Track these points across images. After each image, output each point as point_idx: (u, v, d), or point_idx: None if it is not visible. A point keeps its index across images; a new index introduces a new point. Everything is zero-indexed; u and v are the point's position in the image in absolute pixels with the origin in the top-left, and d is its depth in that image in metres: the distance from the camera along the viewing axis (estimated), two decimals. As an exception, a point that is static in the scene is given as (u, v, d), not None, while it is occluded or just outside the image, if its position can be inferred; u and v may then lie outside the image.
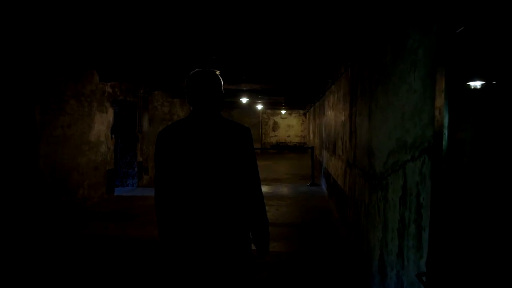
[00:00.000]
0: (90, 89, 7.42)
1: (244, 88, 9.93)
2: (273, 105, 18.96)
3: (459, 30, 1.57)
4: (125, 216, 6.79)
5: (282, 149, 23.50)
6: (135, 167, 9.80)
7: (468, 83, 1.64)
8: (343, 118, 5.93)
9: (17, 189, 5.48)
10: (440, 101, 1.66)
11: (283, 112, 23.75)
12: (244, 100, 13.04)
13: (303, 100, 14.51)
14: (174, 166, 1.93)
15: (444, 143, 1.60)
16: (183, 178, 1.93)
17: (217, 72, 2.06)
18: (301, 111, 23.68)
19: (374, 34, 3.72)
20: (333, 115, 7.35)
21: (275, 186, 10.07)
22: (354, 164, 4.75)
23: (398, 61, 2.74)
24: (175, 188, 1.94)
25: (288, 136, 24.24)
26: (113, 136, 8.39)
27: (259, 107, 19.04)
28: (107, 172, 8.15)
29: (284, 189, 9.73)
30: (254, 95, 12.50)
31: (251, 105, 17.83)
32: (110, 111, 8.30)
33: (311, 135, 16.72)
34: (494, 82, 1.62)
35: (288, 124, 24.27)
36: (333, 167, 7.27)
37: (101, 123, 7.88)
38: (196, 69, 2.05)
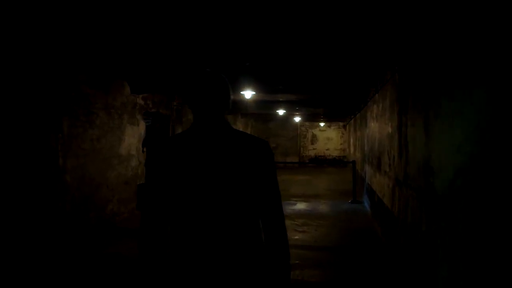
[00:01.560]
0: (121, 101, 7.21)
1: (281, 99, 9.46)
2: (311, 117, 18.36)
3: None
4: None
5: (321, 163, 22.72)
6: (168, 181, 9.50)
7: None
8: (389, 129, 5.28)
9: (42, 205, 5.25)
10: None
11: (321, 124, 23.04)
12: (280, 112, 12.57)
13: (342, 111, 13.83)
14: (173, 185, 1.56)
15: None
16: (185, 198, 1.56)
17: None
18: (341, 123, 22.86)
19: (432, 30, 3.12)
20: (377, 126, 6.69)
21: (314, 203, 9.42)
22: (406, 183, 4.10)
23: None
24: (172, 212, 1.59)
25: (327, 149, 23.44)
26: (144, 149, 8.14)
27: (297, 119, 18.50)
28: (138, 186, 7.87)
29: (323, 207, 9.07)
30: (291, 107, 12.00)
31: (288, 117, 17.33)
32: (142, 124, 8.07)
33: (352, 148, 15.92)
34: None
35: (327, 137, 23.49)
36: (378, 184, 6.58)
37: (132, 136, 7.65)
38: (202, 70, 1.71)
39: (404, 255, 4.12)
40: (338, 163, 22.12)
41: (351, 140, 16.27)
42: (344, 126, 22.67)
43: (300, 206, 9.01)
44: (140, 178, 7.99)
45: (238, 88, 7.44)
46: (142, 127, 8.07)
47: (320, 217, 7.85)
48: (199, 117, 1.61)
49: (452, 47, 2.54)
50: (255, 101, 10.09)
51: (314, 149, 23.54)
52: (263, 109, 12.36)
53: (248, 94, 7.59)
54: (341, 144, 23.21)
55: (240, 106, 11.58)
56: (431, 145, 3.03)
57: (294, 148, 23.05)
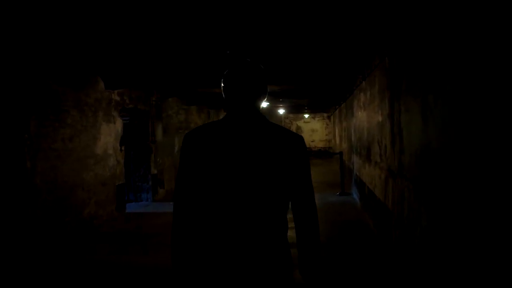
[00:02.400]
0: (95, 98, 6.77)
1: (264, 91, 9.11)
2: (295, 109, 18.10)
3: None
4: (135, 237, 6.06)
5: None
6: (149, 180, 9.11)
7: None
8: (380, 118, 5.03)
9: (9, 211, 4.83)
10: None
11: (306, 116, 22.85)
12: (264, 104, 12.23)
13: (327, 102, 13.59)
14: (205, 174, 1.55)
15: None
16: (216, 189, 1.55)
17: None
18: (325, 114, 22.71)
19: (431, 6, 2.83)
20: (365, 115, 6.44)
21: (301, 197, 9.16)
22: (400, 174, 3.85)
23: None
24: (203, 201, 1.58)
25: (312, 141, 23.27)
26: (122, 148, 7.73)
27: (281, 111, 18.21)
28: (117, 187, 7.47)
29: (311, 200, 8.81)
30: (275, 99, 11.69)
31: (272, 109, 17.02)
32: (119, 121, 7.65)
33: (337, 139, 15.75)
34: None
35: (311, 129, 23.33)
36: (368, 176, 6.34)
37: (109, 135, 7.22)
38: (240, 61, 1.67)
39: (400, 250, 3.88)
40: (323, 154, 21.98)
41: (336, 131, 16.09)
42: (329, 117, 22.53)
43: (288, 200, 8.72)
44: (119, 178, 7.58)
45: (217, 79, 7.07)
46: (119, 124, 7.65)
47: (308, 211, 7.58)
48: (234, 107, 1.59)
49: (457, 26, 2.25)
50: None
51: (299, 141, 23.30)
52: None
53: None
54: (326, 135, 23.08)
55: (222, 100, 11.19)
56: (431, 131, 2.76)
57: (279, 141, 22.76)
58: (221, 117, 10.27)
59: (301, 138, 1.68)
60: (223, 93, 1.64)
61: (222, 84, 1.63)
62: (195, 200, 1.58)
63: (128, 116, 8.71)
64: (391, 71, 4.25)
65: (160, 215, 7.52)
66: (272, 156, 1.56)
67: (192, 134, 1.61)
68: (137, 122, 9.04)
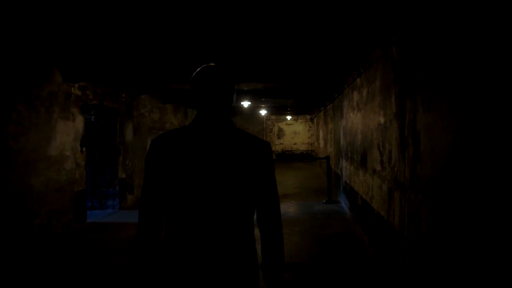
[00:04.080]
0: (49, 91, 5.82)
1: (245, 89, 8.32)
2: (278, 110, 17.36)
3: None
4: (93, 260, 5.14)
5: (289, 158, 21.85)
6: (116, 185, 8.16)
7: None
8: (381, 119, 4.28)
9: None
10: None
11: (288, 117, 22.14)
12: (245, 104, 11.43)
13: (312, 103, 12.89)
14: (170, 182, 1.52)
15: None
16: (182, 196, 1.52)
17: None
18: (308, 117, 22.07)
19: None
20: (360, 116, 5.70)
21: (284, 205, 8.37)
22: (414, 187, 3.10)
23: None
24: (167, 214, 1.56)
25: (294, 144, 22.59)
26: (83, 149, 6.77)
27: (263, 112, 17.43)
28: (76, 194, 6.52)
29: (294, 209, 8.03)
30: (257, 98, 10.90)
31: (254, 110, 16.23)
32: (79, 119, 6.69)
33: (321, 142, 15.07)
34: None
35: (294, 131, 22.63)
36: (362, 185, 5.60)
37: (66, 134, 6.27)
38: (205, 64, 1.61)
39: (414, 281, 3.12)
40: (306, 158, 21.33)
41: (321, 134, 15.41)
42: (312, 120, 21.89)
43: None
44: (79, 184, 6.63)
45: (193, 69, 6.24)
46: (79, 122, 6.69)
47: (292, 222, 6.79)
48: (200, 112, 1.59)
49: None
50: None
51: (281, 143, 22.64)
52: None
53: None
54: (308, 138, 22.43)
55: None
56: (474, 136, 2.01)
57: (260, 143, 22.01)
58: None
59: (268, 145, 1.67)
60: (190, 94, 1.61)
61: (191, 85, 1.61)
62: (160, 209, 1.57)
63: (94, 114, 7.76)
64: (400, 63, 3.50)
65: (127, 226, 6.60)
66: (239, 163, 1.56)
67: (158, 141, 1.58)
68: (104, 121, 8.08)
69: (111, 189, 8.16)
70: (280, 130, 22.65)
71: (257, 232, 1.67)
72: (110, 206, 8.17)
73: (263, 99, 11.36)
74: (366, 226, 5.26)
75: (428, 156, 2.78)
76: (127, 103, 8.59)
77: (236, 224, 1.57)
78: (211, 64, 1.62)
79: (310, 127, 22.31)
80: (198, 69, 1.61)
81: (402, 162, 3.45)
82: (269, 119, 22.32)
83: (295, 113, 19.90)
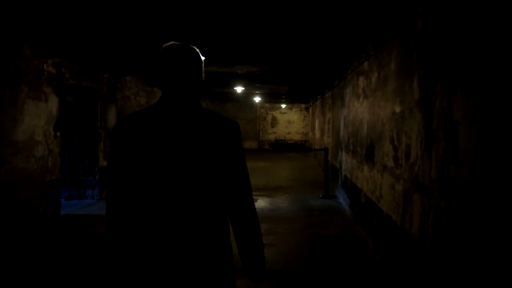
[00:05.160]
0: (15, 67, 5.10)
1: (239, 72, 7.66)
2: (272, 98, 16.69)
3: None
4: (62, 260, 4.51)
5: (282, 148, 21.26)
6: (96, 174, 7.50)
7: None
8: (397, 107, 3.68)
9: None
10: None
11: (283, 106, 21.50)
12: (239, 89, 10.77)
13: (309, 90, 12.24)
14: (135, 169, 1.44)
15: None
16: (147, 185, 1.44)
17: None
18: (303, 106, 21.45)
19: None
20: (367, 105, 5.09)
21: (278, 199, 7.78)
22: (444, 192, 2.50)
23: None
24: (135, 199, 1.45)
25: (288, 133, 21.99)
26: (58, 133, 6.09)
27: (257, 99, 16.76)
28: (48, 183, 5.85)
29: (288, 204, 7.44)
30: (251, 84, 10.23)
31: (247, 97, 15.55)
32: (53, 100, 5.99)
33: (317, 133, 14.48)
34: None
35: (288, 120, 22.02)
36: (368, 181, 5.02)
37: (37, 116, 5.57)
38: (171, 42, 1.52)
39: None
40: (300, 148, 20.75)
41: (317, 124, 14.82)
42: (307, 109, 21.29)
43: (262, 203, 7.35)
44: (52, 172, 5.95)
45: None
46: (53, 104, 5.99)
47: (287, 220, 6.21)
48: (165, 93, 1.51)
49: None
50: (209, 75, 8.21)
51: (274, 132, 22.05)
52: (219, 85, 10.52)
53: (195, 59, 5.71)
54: (303, 127, 21.85)
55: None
56: None
57: (253, 131, 21.43)
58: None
59: (236, 124, 1.57)
60: (155, 73, 1.52)
61: (155, 64, 1.51)
62: (125, 198, 1.45)
63: (70, 95, 7.05)
64: (428, 38, 2.88)
65: (102, 220, 5.97)
66: (205, 143, 1.47)
67: (121, 125, 1.48)
68: (83, 103, 7.38)
69: (91, 177, 7.50)
70: (274, 118, 22.03)
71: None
72: (89, 196, 7.52)
73: (257, 85, 10.69)
74: (371, 228, 4.69)
75: (470, 155, 2.18)
76: (109, 84, 7.88)
77: (204, 217, 1.47)
78: (176, 42, 1.51)
79: (305, 117, 21.71)
80: (164, 46, 1.51)
81: (427, 160, 2.85)
82: (263, 107, 21.67)
83: (290, 101, 19.26)
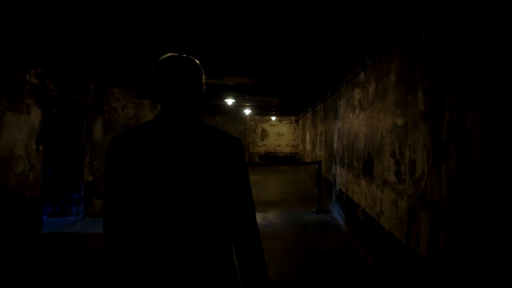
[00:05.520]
0: (-5, 77, 4.84)
1: (230, 83, 7.48)
2: (262, 110, 16.56)
3: None
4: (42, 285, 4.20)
5: (273, 161, 21.06)
6: (82, 189, 7.18)
7: None
8: (399, 120, 3.52)
9: None
10: None
11: (273, 118, 21.38)
12: (229, 101, 10.58)
13: (299, 102, 12.13)
14: (134, 186, 1.36)
15: None
16: (146, 203, 1.37)
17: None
18: (293, 118, 21.37)
19: None
20: (365, 117, 4.94)
21: (268, 214, 7.55)
22: (457, 211, 2.32)
23: None
24: (133, 220, 1.38)
25: (278, 146, 21.84)
26: (40, 147, 5.79)
27: (247, 112, 16.60)
28: (29, 201, 5.53)
29: (280, 220, 7.20)
30: (242, 96, 10.06)
31: (237, 109, 15.38)
32: (36, 112, 5.71)
33: (308, 145, 14.35)
34: None
35: (278, 132, 21.89)
36: (366, 196, 4.83)
37: (18, 129, 5.29)
38: (169, 54, 1.44)
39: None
40: (290, 160, 20.59)
41: (308, 136, 14.69)
42: (297, 121, 21.21)
43: (255, 218, 7.10)
44: (33, 188, 5.64)
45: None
46: (36, 116, 5.71)
47: (279, 236, 5.97)
48: (164, 107, 1.43)
49: None
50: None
51: (264, 145, 21.88)
52: (209, 97, 10.31)
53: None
54: (293, 140, 21.74)
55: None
56: None
57: (243, 144, 21.21)
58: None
59: (239, 141, 1.50)
60: (152, 87, 1.45)
61: (153, 77, 1.43)
62: (123, 217, 1.38)
63: (55, 107, 6.78)
64: (434, 47, 2.73)
65: (91, 238, 5.68)
66: (206, 163, 1.39)
67: (118, 140, 1.41)
68: (68, 115, 7.10)
69: (76, 193, 7.18)
70: (264, 131, 21.88)
71: None
72: (74, 213, 7.18)
73: (247, 97, 10.53)
74: (371, 245, 4.49)
75: (488, 172, 2.00)
76: (96, 95, 7.62)
77: (207, 238, 1.40)
78: (175, 54, 1.45)
79: (295, 129, 21.62)
80: (162, 58, 1.44)
81: (435, 176, 2.67)
82: (253, 120, 21.53)
83: (280, 113, 19.15)
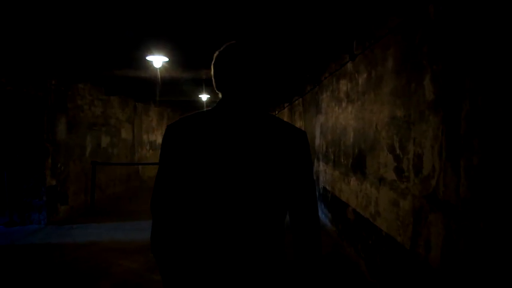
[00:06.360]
0: None
1: (205, 77, 7.00)
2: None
3: None
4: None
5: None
6: (43, 194, 6.53)
7: None
8: (398, 111, 3.18)
9: None
10: None
11: (247, 115, 20.91)
12: (204, 97, 10.10)
13: (276, 99, 11.76)
14: (190, 176, 1.31)
15: None
16: (200, 198, 1.33)
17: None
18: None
19: None
20: (353, 110, 4.60)
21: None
22: (482, 213, 1.98)
23: None
24: (188, 208, 1.35)
25: (253, 143, 21.41)
26: (-7, 150, 5.15)
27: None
28: None
29: (265, 220, 6.81)
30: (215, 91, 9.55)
31: (212, 106, 14.85)
32: (-14, 109, 5.06)
33: (285, 141, 13.95)
34: None
35: (253, 129, 21.44)
36: (357, 195, 4.50)
37: (-35, 129, 4.64)
38: (233, 42, 1.39)
39: None
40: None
41: (284, 132, 14.31)
42: (272, 117, 20.83)
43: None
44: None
45: (141, 50, 4.83)
46: (-14, 114, 5.06)
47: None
48: (225, 96, 1.39)
49: None
50: (171, 81, 7.50)
51: (239, 142, 21.40)
52: (182, 94, 9.77)
53: (157, 60, 4.99)
54: (268, 136, 21.35)
55: (151, 89, 8.88)
56: None
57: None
58: (150, 113, 8.01)
59: (304, 134, 1.43)
60: (213, 78, 1.41)
61: (213, 68, 1.40)
62: (177, 209, 1.35)
63: (9, 103, 6.11)
64: (447, 26, 2.38)
65: (56, 249, 5.10)
66: (268, 155, 1.33)
67: (176, 126, 1.37)
68: (26, 113, 6.43)
69: (37, 199, 6.53)
70: (239, 128, 21.41)
71: None
72: (35, 221, 6.53)
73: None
74: (364, 248, 4.16)
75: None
76: (58, 91, 6.96)
77: (264, 228, 1.36)
78: (237, 41, 1.37)
79: (270, 125, 21.25)
80: (223, 47, 1.38)
81: (451, 173, 2.33)
82: (227, 116, 21.02)
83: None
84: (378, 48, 3.65)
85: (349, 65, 4.70)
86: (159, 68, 5.36)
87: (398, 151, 3.19)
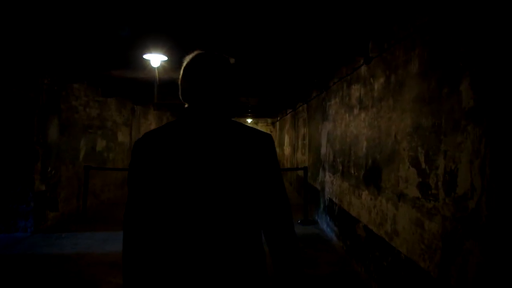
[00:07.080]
0: None
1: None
2: (238, 112, 15.74)
3: None
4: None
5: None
6: (31, 200, 6.14)
7: None
8: (425, 120, 2.80)
9: None
10: None
11: (248, 120, 20.63)
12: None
13: (279, 103, 11.40)
14: (161, 188, 1.32)
15: None
16: (173, 202, 1.32)
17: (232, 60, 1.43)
18: (269, 120, 20.69)
19: None
20: (367, 117, 4.23)
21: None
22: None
23: None
24: (160, 224, 1.34)
25: (254, 149, 21.07)
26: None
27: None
28: None
29: (266, 232, 6.42)
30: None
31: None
32: (-30, 108, 4.69)
33: (287, 149, 13.65)
34: None
35: (253, 135, 21.12)
36: (370, 211, 4.11)
37: None
38: (198, 51, 1.43)
39: None
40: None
41: (286, 139, 14.00)
42: (273, 124, 20.54)
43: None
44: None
45: (139, 48, 4.47)
46: (-31, 113, 4.69)
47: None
48: (191, 106, 1.40)
49: None
50: (170, 83, 7.14)
51: (239, 148, 21.06)
52: (172, 96, 9.43)
53: (155, 59, 4.62)
54: (269, 143, 21.01)
55: (150, 91, 8.52)
56: None
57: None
58: (149, 117, 7.51)
59: (269, 137, 1.44)
60: (181, 85, 1.42)
61: (183, 75, 1.42)
62: (149, 224, 1.33)
63: (-2, 104, 5.75)
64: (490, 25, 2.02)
65: (43, 260, 4.71)
66: (237, 161, 1.34)
67: (143, 141, 1.37)
68: (15, 114, 6.06)
69: (24, 205, 6.13)
70: (239, 133, 21.09)
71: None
72: (21, 229, 6.13)
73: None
74: (377, 270, 3.76)
75: None
76: (51, 91, 6.60)
77: (239, 236, 1.34)
78: (205, 51, 1.42)
79: (271, 132, 20.91)
80: (191, 56, 1.42)
81: (498, 196, 1.95)
82: (228, 122, 20.70)
83: (256, 116, 18.41)
84: (400, 50, 3.28)
85: (363, 69, 4.34)
86: (158, 67, 5.00)
87: (423, 165, 2.81)
